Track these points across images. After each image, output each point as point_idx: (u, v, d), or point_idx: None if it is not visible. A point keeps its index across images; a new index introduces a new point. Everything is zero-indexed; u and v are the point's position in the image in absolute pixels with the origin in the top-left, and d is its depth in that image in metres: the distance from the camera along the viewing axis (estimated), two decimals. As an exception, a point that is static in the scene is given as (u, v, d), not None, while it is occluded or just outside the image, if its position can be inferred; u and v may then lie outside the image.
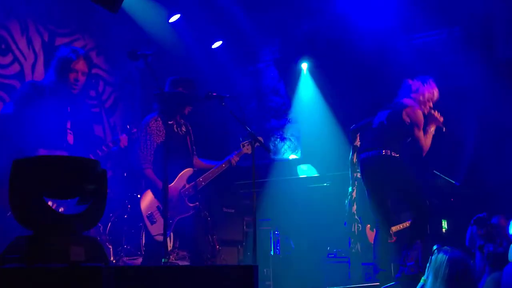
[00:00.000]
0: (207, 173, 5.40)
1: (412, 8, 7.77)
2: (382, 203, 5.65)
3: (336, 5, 8.21)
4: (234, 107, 5.08)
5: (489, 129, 7.85)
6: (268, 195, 8.21)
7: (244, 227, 7.85)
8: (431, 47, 8.26)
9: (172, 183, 5.16)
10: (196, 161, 5.61)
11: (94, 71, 7.78)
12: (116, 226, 6.12)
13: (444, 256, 4.10)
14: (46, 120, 4.59)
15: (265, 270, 7.73)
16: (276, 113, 9.86)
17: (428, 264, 4.31)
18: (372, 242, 7.45)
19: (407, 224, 6.59)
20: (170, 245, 5.69)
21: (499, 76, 7.74)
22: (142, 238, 6.20)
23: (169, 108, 5.21)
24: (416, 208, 5.55)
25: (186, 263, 6.03)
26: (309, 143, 9.47)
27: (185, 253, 6.28)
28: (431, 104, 5.71)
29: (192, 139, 5.63)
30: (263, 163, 8.37)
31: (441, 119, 5.70)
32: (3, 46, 6.63)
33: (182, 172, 5.28)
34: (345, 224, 6.23)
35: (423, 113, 5.63)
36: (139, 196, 6.40)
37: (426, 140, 5.60)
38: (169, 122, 5.29)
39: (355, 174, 5.90)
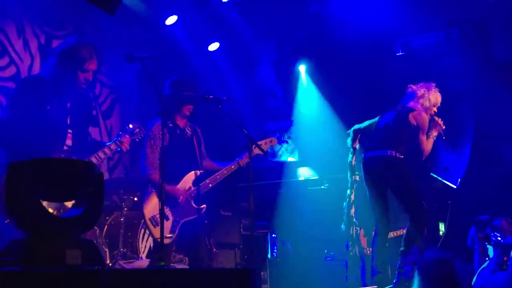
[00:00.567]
0: (214, 175, 5.36)
1: (409, 11, 7.77)
2: (383, 204, 5.64)
3: (333, 8, 8.21)
4: (231, 109, 5.06)
5: (486, 131, 7.86)
6: (265, 198, 8.20)
7: (241, 230, 7.84)
8: (428, 49, 8.27)
9: (178, 185, 5.16)
10: (208, 163, 5.55)
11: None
12: (112, 229, 6.10)
13: (431, 257, 4.11)
14: (46, 115, 4.49)
15: (262, 273, 7.71)
16: (273, 116, 9.86)
17: (416, 265, 4.33)
18: (364, 247, 7.47)
19: (403, 232, 6.62)
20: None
21: (495, 78, 7.75)
22: (139, 241, 6.19)
23: (169, 110, 5.18)
24: (415, 212, 5.54)
25: (183, 266, 6.02)
26: (307, 145, 9.46)
27: (181, 256, 6.26)
28: (435, 109, 5.76)
29: (202, 141, 5.58)
30: (260, 166, 8.34)
31: (443, 127, 5.74)
32: (-1, 48, 6.61)
33: (187, 175, 5.25)
34: (343, 227, 6.22)
35: (428, 117, 5.67)
36: (135, 199, 6.40)
37: (428, 144, 5.63)
38: (170, 125, 5.26)
39: (353, 177, 5.89)
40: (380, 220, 5.63)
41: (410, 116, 5.59)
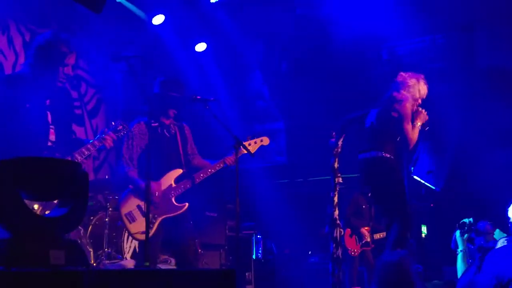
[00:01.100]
0: (198, 172, 5.31)
1: (395, 16, 7.81)
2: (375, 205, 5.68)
3: (321, 11, 8.24)
4: (218, 111, 5.06)
5: (470, 136, 7.92)
6: (251, 200, 8.21)
7: (227, 231, 7.84)
8: (414, 54, 8.32)
9: (158, 182, 5.11)
10: (199, 161, 5.48)
11: (76, 72, 7.73)
12: (97, 230, 6.08)
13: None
14: (26, 114, 4.45)
15: (246, 274, 7.72)
16: (260, 117, 9.87)
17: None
18: (350, 248, 7.51)
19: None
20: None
21: (480, 83, 7.82)
22: (123, 241, 6.17)
23: (154, 110, 5.15)
24: (399, 215, 5.54)
25: (168, 266, 6.01)
26: (295, 147, 9.48)
27: (166, 256, 6.25)
28: (420, 101, 5.71)
29: (187, 139, 5.51)
30: (246, 168, 8.36)
31: (427, 117, 5.71)
32: (-17, 46, 6.57)
33: (170, 172, 5.21)
34: (326, 229, 6.25)
35: (413, 109, 5.62)
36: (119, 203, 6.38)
37: (414, 133, 5.58)
38: (153, 125, 5.22)
39: (336, 180, 5.90)
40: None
41: (392, 108, 5.56)
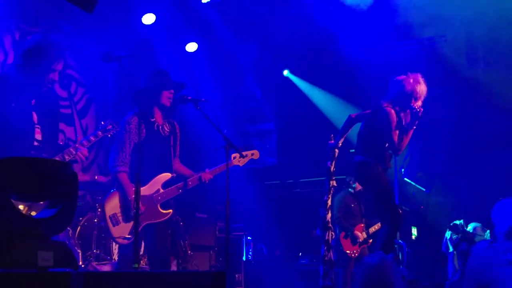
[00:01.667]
0: (186, 180, 5.19)
1: (389, 18, 7.82)
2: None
3: (315, 13, 8.23)
4: (209, 111, 5.00)
5: (460, 138, 7.95)
6: (241, 201, 8.19)
7: (217, 233, 7.81)
8: (408, 56, 8.33)
9: (145, 187, 4.94)
10: (177, 165, 5.33)
11: (66, 71, 7.69)
12: (85, 231, 6.03)
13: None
14: (11, 113, 4.41)
15: (236, 276, 7.70)
16: (252, 118, 9.86)
17: None
18: (348, 251, 7.50)
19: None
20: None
21: (474, 85, 7.84)
22: (112, 243, 6.10)
23: (147, 104, 5.04)
24: (387, 218, 5.54)
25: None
26: (285, 148, 9.48)
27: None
28: (416, 95, 5.64)
29: (178, 141, 5.40)
30: (236, 169, 8.34)
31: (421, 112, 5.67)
32: (-28, 44, 6.52)
33: (158, 177, 5.05)
34: (318, 232, 6.23)
35: (413, 109, 5.56)
36: (104, 200, 6.32)
37: (404, 140, 5.54)
38: (150, 120, 5.12)
39: (331, 182, 5.88)
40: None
41: (379, 116, 5.54)
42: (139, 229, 4.87)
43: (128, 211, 4.87)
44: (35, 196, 2.84)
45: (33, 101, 4.61)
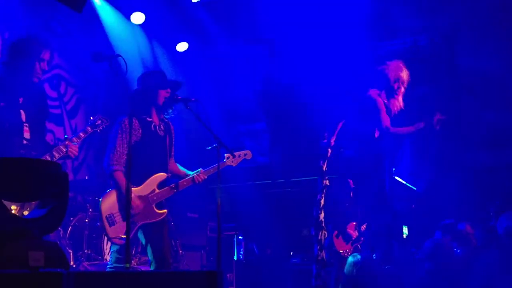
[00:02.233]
0: (182, 180, 5.19)
1: (376, 17, 7.84)
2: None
3: (300, 10, 8.23)
4: (200, 111, 4.99)
5: (449, 137, 7.98)
6: (232, 200, 8.20)
7: (208, 232, 7.81)
8: (396, 55, 8.36)
9: (140, 187, 4.96)
10: (172, 165, 5.36)
11: (56, 71, 7.66)
12: (76, 231, 6.02)
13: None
14: (1, 115, 4.39)
15: (228, 275, 7.70)
16: (243, 117, 9.85)
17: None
18: (341, 250, 7.52)
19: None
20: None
21: (461, 85, 7.88)
22: (103, 242, 6.09)
23: (144, 105, 5.03)
24: (376, 215, 5.52)
25: (148, 268, 5.94)
26: (277, 148, 9.48)
27: (147, 258, 6.17)
28: (399, 85, 5.62)
29: (173, 141, 5.40)
30: (228, 168, 8.33)
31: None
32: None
33: (153, 176, 5.05)
34: (312, 231, 6.23)
35: (393, 96, 5.55)
36: (100, 200, 6.31)
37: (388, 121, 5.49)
38: (148, 120, 5.11)
39: (324, 182, 5.88)
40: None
41: (365, 107, 5.52)
42: (135, 229, 4.89)
43: (124, 211, 4.86)
44: (26, 196, 2.83)
45: (20, 99, 4.59)
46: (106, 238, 5.98)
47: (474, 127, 7.95)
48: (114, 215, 4.89)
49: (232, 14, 8.48)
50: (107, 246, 6.07)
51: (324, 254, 5.54)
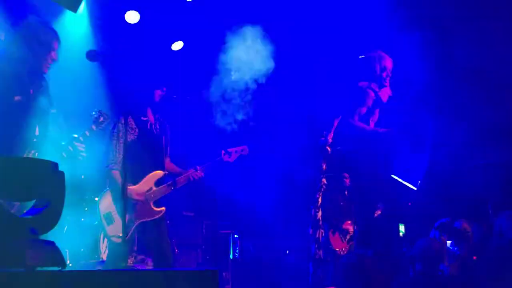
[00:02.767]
0: (179, 178, 5.20)
1: (372, 14, 7.83)
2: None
3: (299, 11, 8.23)
4: (195, 109, 5.01)
5: (446, 134, 7.99)
6: (228, 199, 8.19)
7: (204, 231, 7.81)
8: (390, 51, 8.36)
9: (138, 185, 4.98)
10: (168, 164, 5.39)
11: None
12: (73, 229, 6.01)
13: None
14: (14, 109, 4.38)
15: (224, 274, 7.70)
16: (240, 116, 9.82)
17: None
18: (337, 249, 7.54)
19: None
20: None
21: (456, 81, 7.88)
22: (100, 241, 6.09)
23: (140, 102, 5.05)
24: (362, 210, 5.49)
25: (145, 266, 5.95)
26: (275, 146, 9.47)
27: (143, 256, 6.18)
28: (388, 73, 5.60)
29: (168, 139, 5.40)
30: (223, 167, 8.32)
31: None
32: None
33: (150, 174, 5.05)
34: (309, 230, 6.24)
35: (382, 85, 5.54)
36: (96, 199, 6.31)
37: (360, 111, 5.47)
38: (143, 119, 5.12)
39: (322, 180, 5.89)
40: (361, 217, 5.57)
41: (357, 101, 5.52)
42: (133, 227, 4.91)
43: (122, 209, 4.87)
44: (23, 195, 2.83)
45: (31, 91, 4.56)
46: (102, 236, 5.99)
47: (471, 123, 7.96)
48: (112, 213, 4.92)
49: (227, 12, 8.47)
50: (103, 245, 6.07)
51: (321, 253, 5.55)
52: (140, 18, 7.93)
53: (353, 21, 7.92)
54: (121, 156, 4.91)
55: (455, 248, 5.78)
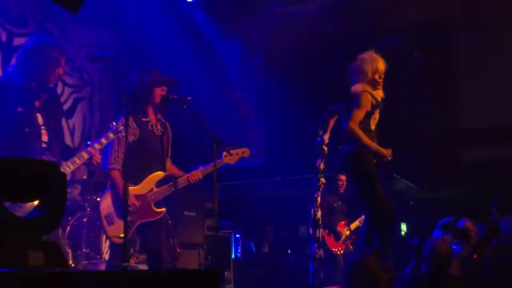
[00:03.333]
0: (180, 179, 5.19)
1: (373, 12, 7.85)
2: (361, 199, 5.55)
3: (297, 8, 8.24)
4: (196, 109, 5.01)
5: (446, 132, 8.00)
6: (230, 199, 8.20)
7: (205, 230, 7.81)
8: (393, 50, 8.36)
9: (138, 186, 4.99)
10: (169, 165, 5.39)
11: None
12: (75, 230, 6.02)
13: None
14: (19, 119, 4.43)
15: (225, 274, 7.71)
16: (239, 116, 9.85)
17: None
18: (333, 249, 7.56)
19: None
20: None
21: (457, 79, 7.89)
22: (102, 242, 6.11)
23: (140, 104, 5.04)
24: (371, 210, 5.42)
25: (146, 266, 5.96)
26: (273, 146, 9.49)
27: (145, 256, 6.19)
28: (380, 75, 5.53)
29: (170, 141, 5.40)
30: (224, 167, 8.34)
31: (390, 155, 5.50)
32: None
33: (151, 175, 5.06)
34: (309, 229, 6.25)
35: (377, 85, 5.49)
36: (98, 199, 6.32)
37: (357, 119, 5.38)
38: (144, 119, 5.12)
39: (320, 180, 5.88)
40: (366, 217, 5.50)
41: (353, 103, 5.46)
42: (133, 228, 4.91)
43: (122, 210, 4.88)
44: (24, 196, 2.84)
45: (37, 103, 4.61)
46: (104, 237, 6.00)
47: (472, 122, 7.97)
48: (112, 214, 4.92)
49: (227, 13, 8.49)
50: (105, 245, 6.09)
51: (322, 252, 5.56)
52: (142, 18, 7.96)
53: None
54: (122, 156, 4.92)
55: (457, 248, 5.78)
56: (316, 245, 5.53)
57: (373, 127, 5.42)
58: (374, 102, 5.38)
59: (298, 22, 8.32)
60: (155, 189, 5.04)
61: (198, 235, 7.76)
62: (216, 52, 9.18)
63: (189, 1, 8.14)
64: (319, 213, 5.70)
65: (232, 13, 8.48)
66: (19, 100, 4.47)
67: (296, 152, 8.57)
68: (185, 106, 4.98)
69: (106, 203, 4.98)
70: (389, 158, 5.38)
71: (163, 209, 5.08)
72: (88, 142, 4.85)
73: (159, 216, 5.05)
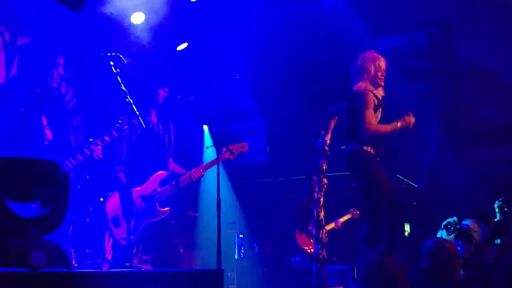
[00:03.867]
0: (182, 177, 5.22)
1: (375, 13, 7.83)
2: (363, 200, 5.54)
3: (300, 9, 8.22)
4: (198, 109, 5.02)
5: (450, 132, 7.98)
6: (232, 199, 8.19)
7: (208, 230, 7.80)
8: (395, 52, 8.34)
9: (142, 186, 5.01)
10: (171, 164, 5.40)
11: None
12: (78, 230, 6.02)
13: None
14: (21, 120, 4.46)
15: (229, 274, 7.70)
16: (241, 116, 9.84)
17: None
18: (304, 247, 7.59)
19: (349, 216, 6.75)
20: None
21: (460, 80, 7.87)
22: (105, 242, 6.11)
23: (143, 103, 5.07)
24: (372, 211, 5.40)
25: (149, 267, 5.96)
26: (275, 146, 9.47)
27: (148, 257, 6.19)
28: (383, 73, 5.56)
29: (172, 140, 5.41)
30: (227, 167, 8.33)
31: (412, 119, 5.56)
32: (-37, 46, 6.48)
33: (154, 175, 5.09)
34: (311, 230, 6.24)
35: (378, 85, 5.51)
36: (101, 199, 6.31)
37: (372, 118, 5.38)
38: (147, 119, 5.14)
39: (323, 181, 5.86)
40: (367, 217, 5.48)
41: (356, 101, 5.47)
42: (139, 228, 4.93)
43: (128, 211, 4.92)
44: (27, 196, 2.84)
45: (41, 104, 4.65)
46: (108, 237, 6.01)
47: (475, 122, 7.94)
48: (119, 216, 4.95)
49: (230, 12, 8.47)
50: (108, 245, 6.09)
51: (325, 253, 5.53)
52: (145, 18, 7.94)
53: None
54: (125, 157, 4.95)
55: (459, 248, 5.76)
56: (319, 246, 5.51)
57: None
58: (376, 102, 5.41)
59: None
60: (159, 189, 5.07)
61: (201, 235, 7.75)
62: (219, 51, 9.17)
63: (193, 1, 8.11)
64: (322, 214, 5.68)
65: (235, 13, 8.46)
66: (21, 102, 4.49)
67: (296, 152, 8.56)
68: (186, 106, 5.00)
69: (112, 206, 5.02)
70: (413, 121, 5.50)
71: (167, 208, 5.11)
72: (91, 139, 4.86)
73: (163, 216, 5.08)
